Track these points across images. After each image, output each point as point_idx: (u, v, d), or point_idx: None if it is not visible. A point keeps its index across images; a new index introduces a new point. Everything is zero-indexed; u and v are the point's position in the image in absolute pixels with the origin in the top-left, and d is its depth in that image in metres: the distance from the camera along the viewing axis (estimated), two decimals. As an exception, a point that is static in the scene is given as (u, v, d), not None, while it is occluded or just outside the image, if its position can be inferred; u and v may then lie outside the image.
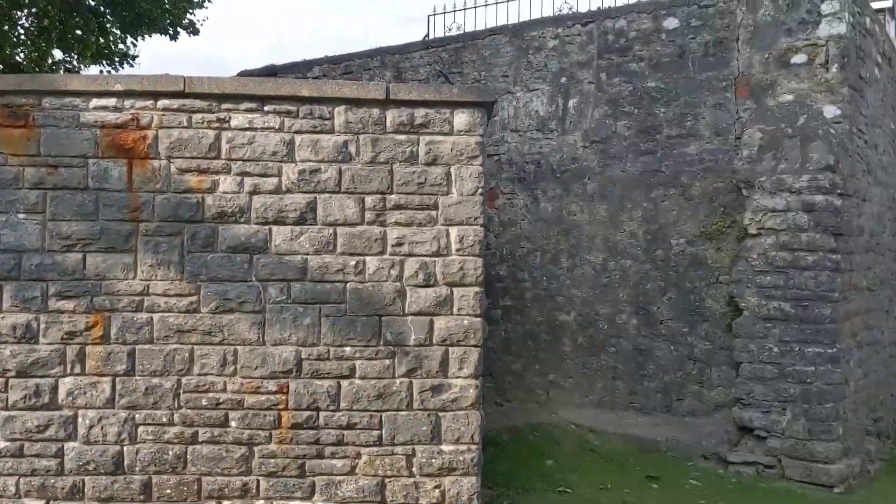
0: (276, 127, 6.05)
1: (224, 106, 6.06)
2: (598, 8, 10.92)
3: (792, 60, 9.18)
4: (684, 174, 9.82)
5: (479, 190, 6.00)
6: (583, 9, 11.04)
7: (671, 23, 10.02)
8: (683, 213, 9.80)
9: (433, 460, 5.94)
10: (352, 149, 6.03)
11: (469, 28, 11.83)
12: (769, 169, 8.92)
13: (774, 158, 8.92)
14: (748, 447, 8.93)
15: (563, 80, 10.73)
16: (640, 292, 10.05)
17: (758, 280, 8.85)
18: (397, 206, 6.02)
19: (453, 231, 6.00)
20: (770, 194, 8.84)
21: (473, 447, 5.93)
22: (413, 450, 5.95)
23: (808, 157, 8.70)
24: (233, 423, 5.97)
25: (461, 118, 6.00)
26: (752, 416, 8.84)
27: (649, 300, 9.99)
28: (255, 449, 5.96)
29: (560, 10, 11.23)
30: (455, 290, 6.00)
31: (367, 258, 6.00)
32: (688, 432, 9.59)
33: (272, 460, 5.95)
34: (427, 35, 12.08)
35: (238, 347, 5.99)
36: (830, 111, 8.90)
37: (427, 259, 6.00)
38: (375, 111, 6.02)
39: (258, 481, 5.96)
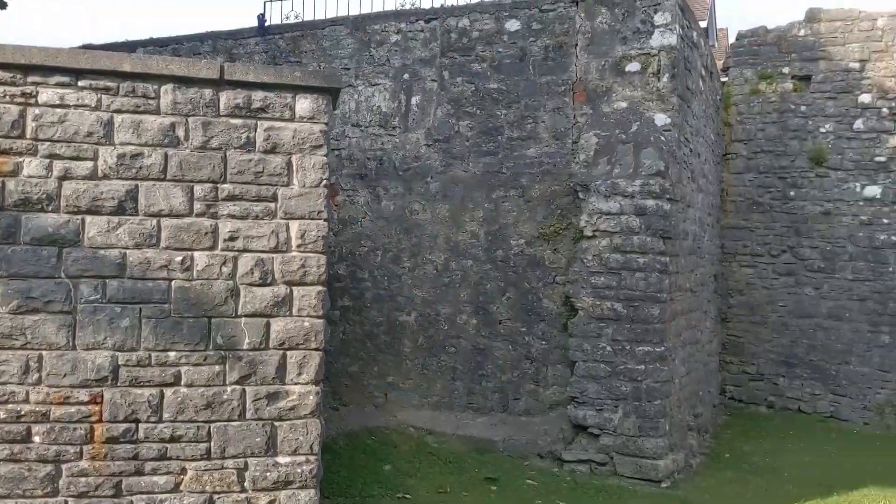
0: (93, 105, 5.37)
1: (31, 79, 5.31)
2: (441, 5, 10.82)
3: (626, 68, 9.48)
4: (524, 176, 9.90)
5: (323, 182, 5.63)
6: (426, 5, 10.91)
7: (513, 25, 10.08)
8: (523, 215, 9.88)
9: (268, 473, 5.49)
10: (180, 132, 5.47)
11: (308, 17, 11.38)
12: (604, 173, 9.15)
13: (609, 163, 9.17)
14: (582, 445, 9.12)
15: (406, 76, 10.54)
16: (480, 292, 10.04)
17: (592, 281, 9.05)
18: (231, 197, 5.52)
19: (294, 225, 5.59)
20: (605, 198, 9.07)
21: (312, 458, 5.55)
22: (245, 463, 5.48)
23: (641, 163, 9.00)
24: (36, 439, 5.23)
25: (304, 104, 5.60)
26: (586, 415, 9.03)
27: (489, 300, 9.99)
28: (64, 467, 5.26)
29: (403, 5, 11.03)
30: (295, 289, 5.59)
31: (196, 253, 5.46)
32: (524, 431, 9.67)
33: (83, 479, 5.27)
34: (263, 21, 11.49)
35: (43, 352, 5.26)
36: (661, 119, 9.27)
37: (264, 255, 5.55)
38: (208, 92, 5.49)
39: (67, 503, 5.26)
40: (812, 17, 13.88)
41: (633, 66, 9.45)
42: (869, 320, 13.16)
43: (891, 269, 13.08)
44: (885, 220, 13.16)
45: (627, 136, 9.19)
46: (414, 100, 10.49)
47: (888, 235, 13.12)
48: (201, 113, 5.49)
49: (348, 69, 10.78)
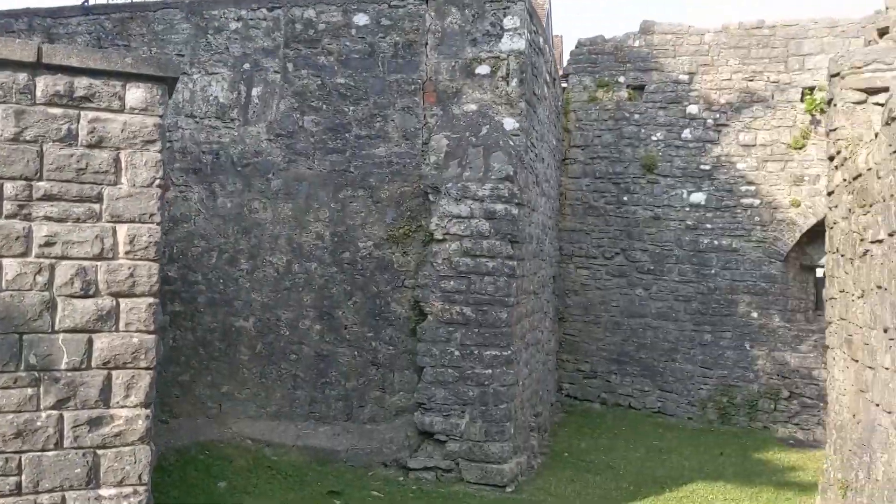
0: None
1: None
2: (286, -6, 10.28)
3: (476, 70, 9.41)
4: (373, 176, 9.60)
5: (157, 181, 5.07)
6: (270, -8, 10.30)
7: (361, 19, 9.75)
8: (371, 216, 9.58)
9: (89, 508, 4.87)
10: (-14, 121, 4.73)
11: (138, -4, 10.47)
12: (455, 176, 9.04)
13: (460, 166, 9.06)
14: (428, 452, 8.97)
15: (247, 66, 9.93)
16: (324, 296, 9.64)
17: (442, 285, 8.91)
18: (48, 197, 4.84)
19: (122, 229, 4.99)
20: (456, 201, 8.95)
21: (141, 489, 4.98)
22: (63, 498, 4.83)
23: (491, 167, 8.96)
24: None
25: (136, 94, 5.00)
26: (433, 421, 8.88)
27: (334, 304, 9.61)
28: None
29: (244, -10, 10.38)
30: (122, 301, 4.99)
31: (6, 261, 4.74)
32: (369, 440, 9.39)
33: None
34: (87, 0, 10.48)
35: None
36: (510, 123, 9.28)
37: (86, 263, 4.91)
38: (22, 76, 4.78)
39: None
40: (646, 29, 14.52)
41: (482, 69, 9.39)
42: (693, 320, 13.97)
43: (713, 271, 13.95)
44: (709, 225, 14.01)
45: (478, 139, 9.12)
46: (255, 91, 9.91)
47: (711, 239, 13.98)
48: (14, 100, 4.77)
49: (183, 56, 10.01)
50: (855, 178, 6.31)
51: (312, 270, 9.65)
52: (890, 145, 5.25)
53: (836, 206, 7.22)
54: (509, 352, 8.87)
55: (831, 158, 7.48)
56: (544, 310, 12.25)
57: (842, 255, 6.94)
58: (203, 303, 9.83)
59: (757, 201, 13.82)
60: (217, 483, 8.18)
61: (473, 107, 9.36)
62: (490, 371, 8.77)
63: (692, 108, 14.15)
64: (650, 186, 14.28)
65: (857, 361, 6.24)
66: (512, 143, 9.16)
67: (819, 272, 14.84)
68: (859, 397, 6.10)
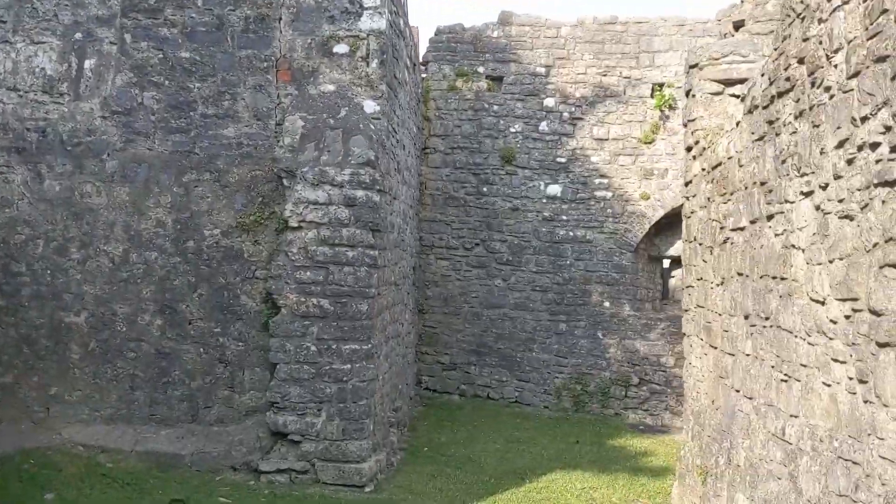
0: None
1: None
2: (123, -43, 9.34)
3: (334, 49, 8.91)
4: (221, 158, 8.90)
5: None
6: (105, -46, 9.33)
7: (209, -11, 9.00)
8: (219, 202, 8.88)
9: None
10: None
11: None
12: (312, 159, 8.51)
13: (317, 149, 8.54)
14: (281, 454, 8.42)
15: (79, 35, 8.96)
16: (166, 289, 8.84)
17: (297, 276, 8.37)
18: None
19: None
20: (312, 186, 8.43)
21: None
22: None
23: (350, 151, 8.50)
24: None
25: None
26: (287, 420, 8.34)
27: (177, 298, 8.84)
28: None
29: (75, -49, 9.35)
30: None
31: None
32: (217, 443, 8.72)
33: None
34: None
35: None
36: (370, 106, 8.85)
37: None
38: None
39: None
40: (504, 20, 14.48)
41: (341, 48, 8.90)
42: (549, 310, 14.09)
43: (568, 262, 14.12)
44: (564, 217, 14.17)
45: (336, 121, 8.63)
46: (88, 64, 8.94)
47: (566, 231, 14.15)
48: None
49: (4, 22, 8.90)
50: (715, 168, 6.36)
51: (152, 260, 8.82)
52: (752, 133, 5.25)
53: (694, 196, 7.31)
54: (369, 345, 8.46)
55: (689, 149, 7.57)
56: (405, 301, 11.93)
57: (700, 244, 7.02)
58: (28, 296, 8.79)
59: (609, 194, 14.11)
60: (44, 495, 7.33)
61: (331, 87, 8.86)
62: (349, 366, 8.33)
63: (549, 101, 14.25)
64: (509, 178, 14.28)
65: (715, 348, 6.30)
66: (373, 127, 8.74)
67: (665, 263, 15.42)
68: (718, 384, 6.15)
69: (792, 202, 4.48)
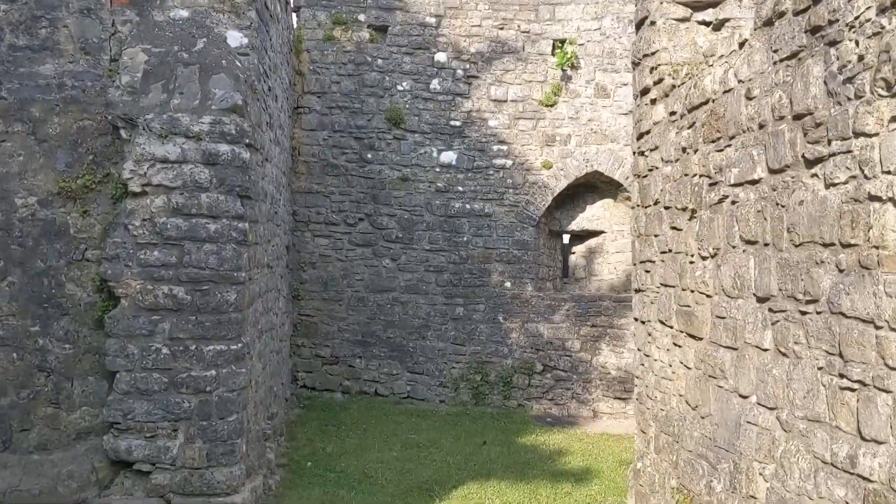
0: None
1: None
2: None
3: (188, -35, 6.96)
4: (36, 104, 6.78)
5: None
6: None
7: None
8: (35, 161, 6.77)
9: None
10: None
11: None
12: (159, 104, 6.57)
13: (166, 91, 6.60)
14: (125, 488, 6.51)
15: None
16: (-39, 276, 6.67)
17: (142, 256, 6.44)
18: None
19: None
20: (160, 138, 6.49)
21: None
22: None
23: (210, 93, 6.62)
24: None
25: None
26: (132, 445, 6.43)
27: (-23, 288, 6.69)
28: None
29: None
30: None
31: None
32: (37, 476, 6.70)
33: None
34: None
35: None
36: (236, 38, 7.00)
37: None
38: None
39: None
40: (389, -37, 12.77)
41: (196, -37, 6.96)
42: (445, 292, 12.64)
43: (465, 238, 12.70)
44: (460, 188, 12.73)
45: (191, 55, 6.70)
46: None
47: (463, 203, 12.71)
48: None
49: None
50: (696, 108, 5.03)
51: (-61, 239, 6.63)
52: (775, 51, 3.91)
53: (654, 150, 5.99)
54: (239, 345, 6.66)
55: (645, 91, 6.24)
56: (279, 287, 10.12)
57: (666, 208, 5.71)
58: None
59: (509, 162, 12.78)
60: None
61: (184, 13, 6.91)
62: (213, 372, 6.50)
63: (440, 56, 12.71)
64: (397, 143, 12.66)
65: (699, 339, 5.00)
66: (239, 65, 6.88)
67: (566, 238, 14.30)
68: (707, 385, 4.86)
69: (871, 135, 3.15)
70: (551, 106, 12.80)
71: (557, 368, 12.69)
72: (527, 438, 10.66)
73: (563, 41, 12.85)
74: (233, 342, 6.61)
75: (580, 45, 12.82)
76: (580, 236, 14.09)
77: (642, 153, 6.33)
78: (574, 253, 14.28)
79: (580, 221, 13.69)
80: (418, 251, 12.62)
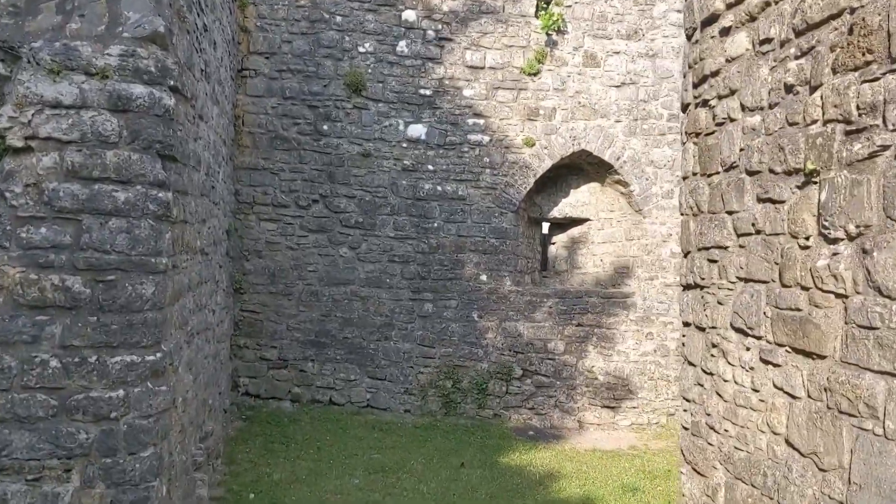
0: None
1: None
2: None
3: None
4: None
5: None
6: None
7: None
8: None
9: None
10: None
11: None
12: (51, 29, 4.89)
13: (61, 12, 4.92)
14: (1, 548, 4.84)
15: None
16: None
17: (24, 235, 4.77)
18: None
19: None
20: (51, 75, 4.82)
21: None
22: None
23: (121, 16, 4.96)
24: None
25: None
26: (8, 492, 4.77)
27: None
28: None
29: None
30: None
31: None
32: None
33: None
34: None
35: None
36: (159, -51, 5.33)
37: None
38: None
39: None
40: None
41: None
42: (412, 286, 11.11)
43: (436, 224, 11.18)
44: (430, 167, 11.19)
45: (95, -34, 5.03)
46: None
47: (433, 185, 11.18)
48: None
49: None
50: (819, 25, 3.60)
51: None
52: None
53: (729, 96, 4.58)
54: (159, 354, 5.05)
55: (711, 20, 4.82)
56: (216, 278, 8.48)
57: (750, 174, 4.30)
58: None
59: (486, 138, 11.29)
60: None
61: (88, -88, 5.24)
62: (122, 392, 4.87)
63: (409, 15, 11.13)
64: (357, 113, 11.06)
65: (821, 358, 3.59)
66: (162, -17, 5.24)
67: (545, 227, 12.92)
68: (839, 425, 3.45)
69: None
70: (534, 75, 11.34)
71: (539, 373, 11.27)
72: (510, 458, 9.21)
73: (548, 1, 11.40)
74: (149, 351, 4.98)
75: (567, 6, 11.39)
76: (561, 225, 12.69)
77: (705, 103, 4.91)
78: (554, 243, 12.88)
79: (563, 208, 12.28)
80: (381, 239, 11.05)
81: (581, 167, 12.04)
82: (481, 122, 11.25)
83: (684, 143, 5.35)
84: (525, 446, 9.76)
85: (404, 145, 11.11)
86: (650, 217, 11.65)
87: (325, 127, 10.99)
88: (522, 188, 11.36)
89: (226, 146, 9.27)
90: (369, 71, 11.03)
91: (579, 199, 12.32)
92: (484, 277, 11.26)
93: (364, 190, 11.04)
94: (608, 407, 11.33)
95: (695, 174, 5.13)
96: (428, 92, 11.15)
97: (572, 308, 11.39)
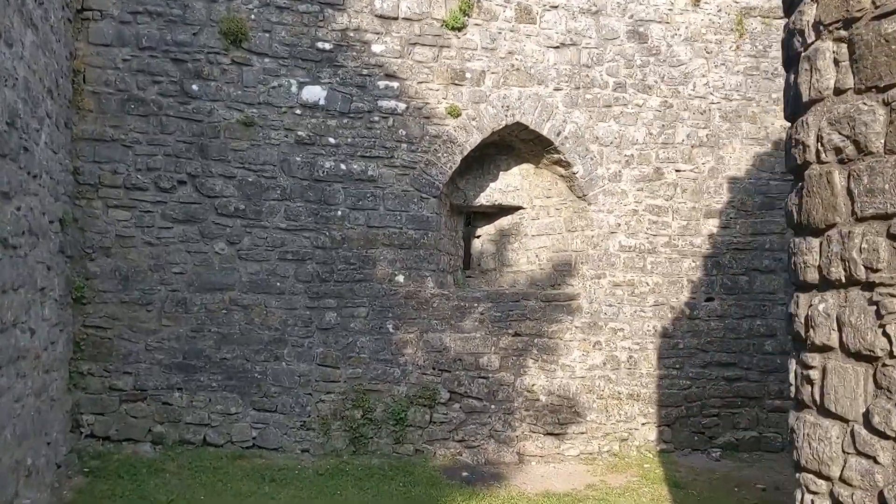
0: None
1: None
2: None
3: None
4: None
5: None
6: None
7: None
8: None
9: None
10: None
11: None
12: None
13: None
14: None
15: None
16: None
17: None
18: None
19: None
20: None
21: None
22: None
23: None
24: None
25: None
26: None
27: None
28: None
29: None
30: None
31: None
32: None
33: None
34: None
35: None
36: None
37: None
38: None
39: None
40: None
41: None
42: (309, 291, 8.95)
43: (339, 212, 9.07)
44: (332, 140, 9.07)
45: None
46: None
47: (336, 162, 9.07)
48: None
49: None
50: None
51: None
52: None
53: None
54: None
55: None
56: (39, 284, 6.11)
57: None
58: None
59: (402, 105, 9.28)
60: None
61: None
62: None
63: (303, -51, 8.99)
64: (238, 70, 8.81)
65: None
66: None
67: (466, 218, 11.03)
68: None
69: None
70: (459, 30, 9.42)
71: (469, 395, 9.35)
72: (446, 512, 7.24)
73: (474, -59, 9.52)
74: None
75: (497, -52, 9.54)
76: (488, 214, 10.84)
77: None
78: (479, 236, 11.01)
79: (492, 194, 10.43)
80: (270, 231, 8.84)
81: (512, 145, 10.22)
82: (395, 85, 9.22)
83: (809, 47, 3.53)
84: (461, 495, 7.79)
85: (298, 112, 8.94)
86: (596, 204, 9.95)
87: (195, 87, 8.68)
88: (447, 168, 9.42)
89: (53, 100, 6.85)
90: (252, 17, 8.80)
91: (510, 184, 10.50)
92: (401, 278, 9.23)
93: (246, 168, 8.79)
94: (552, 434, 9.54)
95: (842, 91, 3.33)
96: (328, 46, 9.03)
97: (508, 314, 9.54)
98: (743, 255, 10.41)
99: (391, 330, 9.17)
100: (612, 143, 9.97)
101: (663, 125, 10.16)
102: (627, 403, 9.91)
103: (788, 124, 3.97)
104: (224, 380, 8.73)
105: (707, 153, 10.33)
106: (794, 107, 3.83)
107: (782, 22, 10.78)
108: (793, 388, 3.62)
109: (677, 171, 10.23)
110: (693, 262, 10.26)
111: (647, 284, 10.06)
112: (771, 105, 10.51)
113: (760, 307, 10.42)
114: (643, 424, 9.99)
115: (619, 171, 9.99)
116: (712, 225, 10.36)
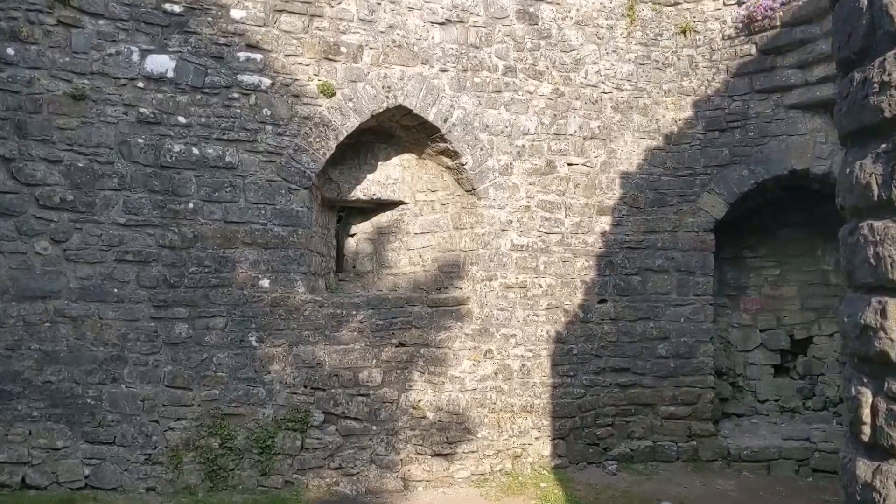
0: None
1: None
2: None
3: None
4: None
5: None
6: None
7: None
8: None
9: None
10: None
11: None
12: None
13: None
14: None
15: None
16: None
17: None
18: None
19: None
20: None
21: None
22: None
23: None
24: None
25: None
26: None
27: None
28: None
29: None
30: None
31: None
32: None
33: None
34: None
35: None
36: None
37: None
38: None
39: None
40: None
41: None
42: (155, 298, 7.57)
43: (191, 204, 7.74)
44: (182, 119, 7.74)
45: None
46: None
47: (187, 145, 7.74)
48: None
49: None
50: None
51: None
52: None
53: None
54: None
55: None
56: None
57: None
58: None
59: (267, 81, 8.05)
60: None
61: None
62: None
63: None
64: (66, 33, 7.33)
65: None
66: None
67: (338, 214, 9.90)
68: None
69: None
70: (332, -2, 8.31)
71: (347, 416, 8.23)
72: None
73: None
74: None
75: None
76: (364, 210, 9.75)
77: None
78: (354, 235, 9.90)
79: (369, 186, 9.35)
80: (105, 226, 7.40)
81: (392, 132, 9.20)
82: (259, 57, 7.99)
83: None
84: (341, 533, 6.69)
85: (141, 85, 7.55)
86: (486, 198, 9.06)
87: (10, 51, 7.14)
88: (320, 155, 8.27)
89: None
90: (83, -31, 7.36)
91: (390, 176, 9.46)
92: (266, 283, 7.99)
93: (76, 151, 7.33)
94: (441, 455, 8.56)
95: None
96: (177, 8, 7.69)
97: (391, 322, 8.49)
98: (636, 254, 9.84)
99: (255, 343, 7.92)
100: (502, 132, 9.13)
101: (555, 115, 9.42)
102: (521, 416, 9.09)
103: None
104: (48, 407, 7.22)
105: (599, 146, 9.68)
106: (868, 39, 2.85)
107: (672, 10, 10.33)
108: (866, 428, 2.76)
109: (570, 164, 9.53)
110: (586, 261, 9.58)
111: (541, 286, 9.28)
112: (661, 96, 10.00)
113: (653, 309, 9.88)
114: (537, 438, 9.20)
115: (511, 164, 9.16)
116: (605, 222, 9.73)
